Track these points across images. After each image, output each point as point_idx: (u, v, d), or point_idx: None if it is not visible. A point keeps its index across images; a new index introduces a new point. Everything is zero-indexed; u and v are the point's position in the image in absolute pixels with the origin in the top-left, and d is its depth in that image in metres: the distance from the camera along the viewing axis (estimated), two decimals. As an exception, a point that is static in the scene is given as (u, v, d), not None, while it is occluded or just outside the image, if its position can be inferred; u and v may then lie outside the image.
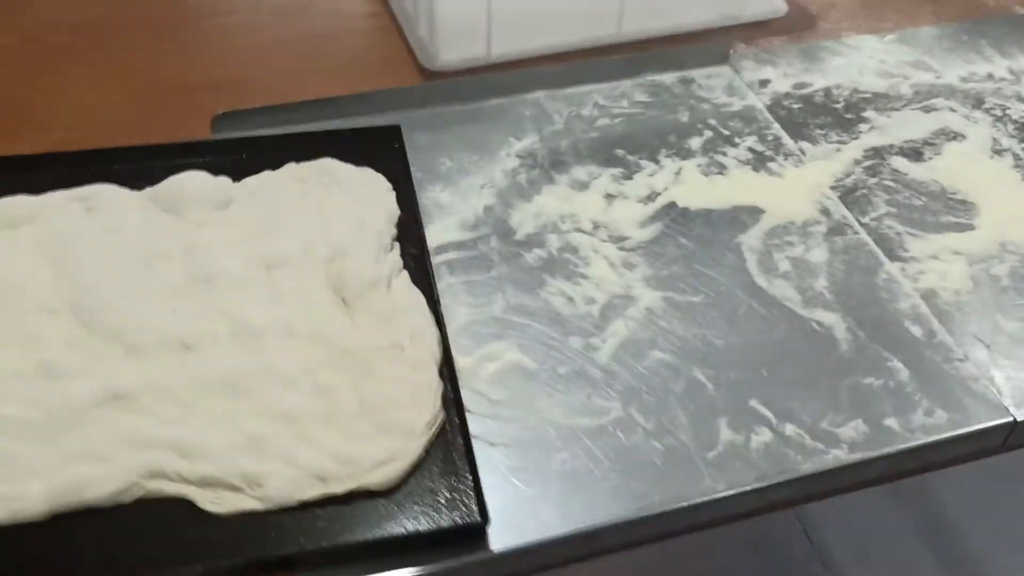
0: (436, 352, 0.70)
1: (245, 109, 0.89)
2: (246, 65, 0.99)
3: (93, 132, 0.89)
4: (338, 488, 0.62)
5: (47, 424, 0.64)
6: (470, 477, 0.63)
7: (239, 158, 0.85)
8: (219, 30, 1.04)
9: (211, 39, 1.03)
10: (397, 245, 0.78)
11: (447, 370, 0.69)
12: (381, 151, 0.87)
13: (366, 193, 0.82)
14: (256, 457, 0.63)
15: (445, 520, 0.61)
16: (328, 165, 0.84)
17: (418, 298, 0.74)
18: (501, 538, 0.61)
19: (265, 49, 1.02)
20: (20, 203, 0.78)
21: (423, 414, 0.66)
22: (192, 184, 0.80)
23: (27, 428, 0.63)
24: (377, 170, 0.85)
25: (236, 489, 0.62)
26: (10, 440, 0.63)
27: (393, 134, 0.88)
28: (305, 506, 0.62)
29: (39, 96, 0.93)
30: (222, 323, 0.71)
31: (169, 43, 1.02)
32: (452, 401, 0.68)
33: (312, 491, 0.62)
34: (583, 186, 0.86)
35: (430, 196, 0.84)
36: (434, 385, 0.68)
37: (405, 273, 0.76)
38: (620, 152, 0.90)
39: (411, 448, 0.64)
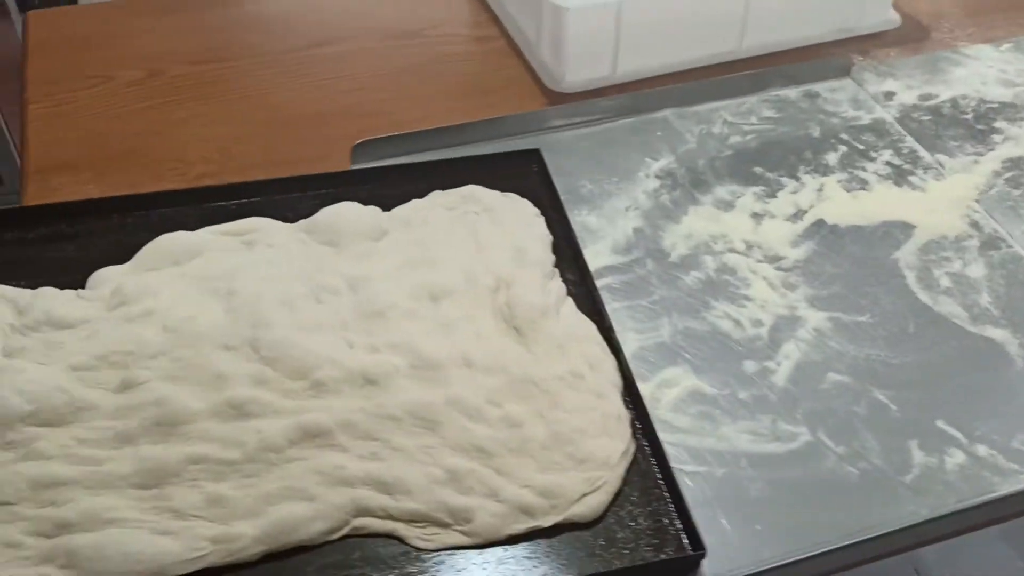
0: (617, 380, 0.70)
1: (382, 137, 0.89)
2: (369, 92, 0.99)
3: (230, 164, 0.89)
4: (545, 521, 0.62)
5: (247, 464, 0.63)
6: (673, 507, 0.63)
7: (382, 187, 0.85)
8: (335, 58, 1.04)
9: (328, 67, 1.03)
10: (557, 272, 0.78)
11: (630, 397, 0.69)
12: (521, 175, 0.87)
13: (515, 219, 0.82)
14: (458, 491, 0.63)
15: (663, 552, 0.61)
16: (474, 192, 0.84)
17: (589, 325, 0.73)
18: (712, 569, 0.61)
19: (385, 76, 1.02)
20: (182, 239, 0.78)
21: (616, 444, 0.66)
22: (348, 216, 0.80)
23: (227, 468, 0.63)
24: (519, 194, 0.85)
25: (444, 525, 0.62)
26: (213, 481, 0.63)
27: (532, 158, 0.88)
28: (512, 539, 0.62)
29: (173, 130, 0.93)
30: (399, 356, 0.70)
31: (288, 73, 1.02)
32: (640, 429, 0.67)
33: (519, 525, 0.62)
34: (728, 206, 0.86)
35: (577, 220, 0.84)
36: (623, 414, 0.68)
37: (570, 300, 0.76)
38: (758, 170, 0.90)
39: (612, 478, 0.64)
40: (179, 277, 0.75)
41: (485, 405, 0.68)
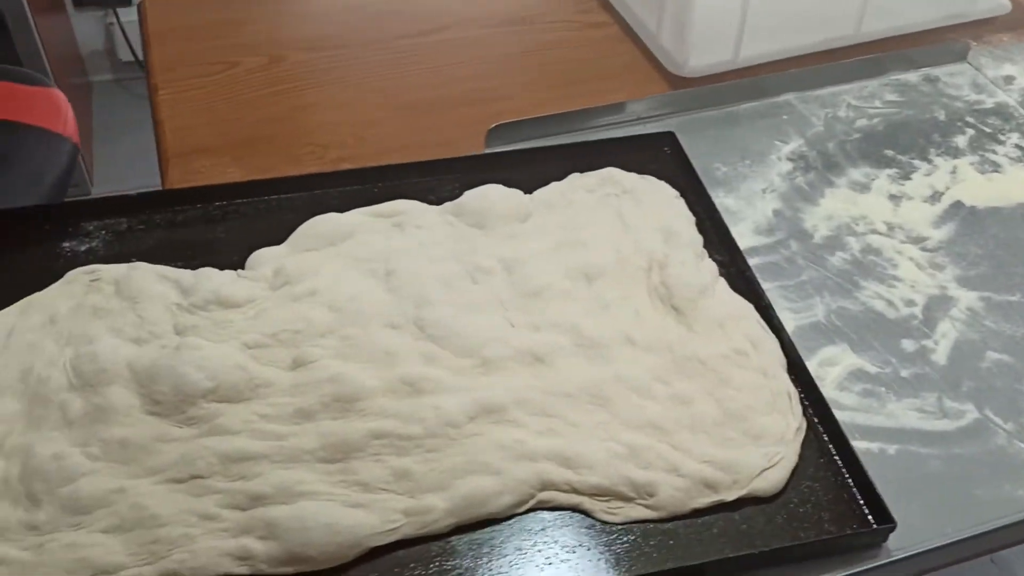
0: (781, 358, 0.70)
1: (515, 121, 0.90)
2: (487, 78, 1.00)
3: (364, 149, 0.90)
4: (728, 495, 0.62)
5: (428, 439, 0.64)
6: (852, 481, 0.64)
7: (519, 170, 0.86)
8: (448, 45, 1.05)
9: (442, 54, 1.03)
10: (706, 252, 0.79)
11: (796, 375, 0.69)
12: (655, 158, 0.88)
13: (657, 201, 0.83)
14: (638, 466, 0.63)
15: (848, 527, 0.61)
16: (613, 174, 0.85)
17: (746, 304, 0.74)
18: (897, 543, 0.61)
19: (501, 62, 1.02)
20: (335, 221, 0.79)
21: (789, 420, 0.66)
22: (494, 198, 0.81)
23: (409, 443, 0.64)
24: (655, 177, 0.85)
25: (627, 499, 0.62)
26: (396, 456, 0.63)
27: (665, 140, 0.89)
28: (696, 513, 0.62)
29: (301, 115, 0.94)
30: (562, 335, 0.71)
31: (402, 59, 1.03)
32: (810, 406, 0.68)
33: (703, 499, 0.62)
34: (864, 188, 0.86)
35: (716, 202, 0.84)
36: (792, 391, 0.68)
37: (723, 280, 0.76)
38: (889, 152, 0.90)
39: (789, 453, 0.64)
40: (335, 257, 0.76)
41: (653, 383, 0.68)
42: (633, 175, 0.85)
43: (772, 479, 0.63)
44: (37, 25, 1.84)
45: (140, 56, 2.34)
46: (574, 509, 0.62)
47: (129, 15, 2.30)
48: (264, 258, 0.76)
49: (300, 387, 0.67)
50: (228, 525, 0.60)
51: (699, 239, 0.79)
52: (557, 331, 0.71)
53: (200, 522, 0.60)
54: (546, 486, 0.63)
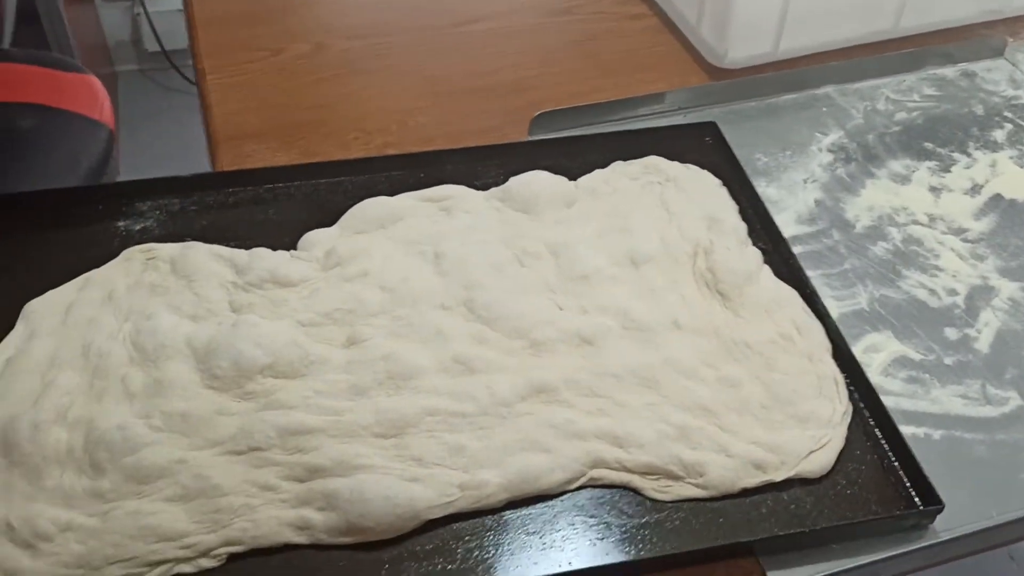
0: (826, 343, 0.71)
1: (559, 109, 0.91)
2: (529, 68, 1.01)
3: (408, 135, 0.91)
4: (777, 476, 0.63)
5: (480, 416, 0.65)
6: (898, 464, 0.65)
7: (562, 157, 0.87)
8: (489, 35, 1.06)
9: (484, 43, 1.05)
10: (750, 240, 0.80)
11: (842, 361, 0.70)
12: (697, 148, 0.89)
13: (699, 189, 0.84)
14: (689, 446, 0.65)
15: (896, 508, 0.62)
16: (656, 162, 0.86)
17: (790, 290, 0.75)
18: (944, 525, 0.62)
19: (542, 51, 1.03)
20: (385, 204, 0.80)
21: (836, 404, 0.67)
22: (540, 184, 0.82)
23: (462, 420, 0.65)
24: (697, 166, 0.86)
25: (677, 477, 0.64)
26: (450, 432, 0.65)
27: (707, 130, 0.90)
28: (744, 493, 0.63)
29: (347, 101, 0.95)
30: (610, 318, 0.72)
31: (445, 48, 1.04)
32: (856, 390, 0.69)
33: (752, 479, 0.63)
34: (904, 179, 0.87)
35: (758, 191, 0.85)
36: (838, 376, 0.69)
37: (767, 267, 0.77)
38: (929, 145, 0.91)
39: (836, 436, 0.65)
40: (386, 240, 0.78)
41: (701, 366, 0.70)
42: (675, 163, 0.86)
43: (819, 461, 0.64)
44: (67, 14, 1.86)
45: (166, 47, 2.37)
46: (624, 487, 0.64)
47: (155, 5, 2.32)
48: (316, 239, 0.77)
49: (354, 364, 0.68)
50: (287, 496, 0.61)
51: (743, 226, 0.80)
52: (605, 314, 0.73)
53: (260, 492, 0.61)
54: (597, 464, 0.64)
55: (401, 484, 0.61)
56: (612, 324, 0.72)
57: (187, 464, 0.62)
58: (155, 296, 0.72)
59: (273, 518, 0.60)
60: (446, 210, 0.81)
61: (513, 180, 0.83)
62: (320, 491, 0.61)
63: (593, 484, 0.64)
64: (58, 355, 0.68)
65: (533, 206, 0.81)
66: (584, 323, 0.72)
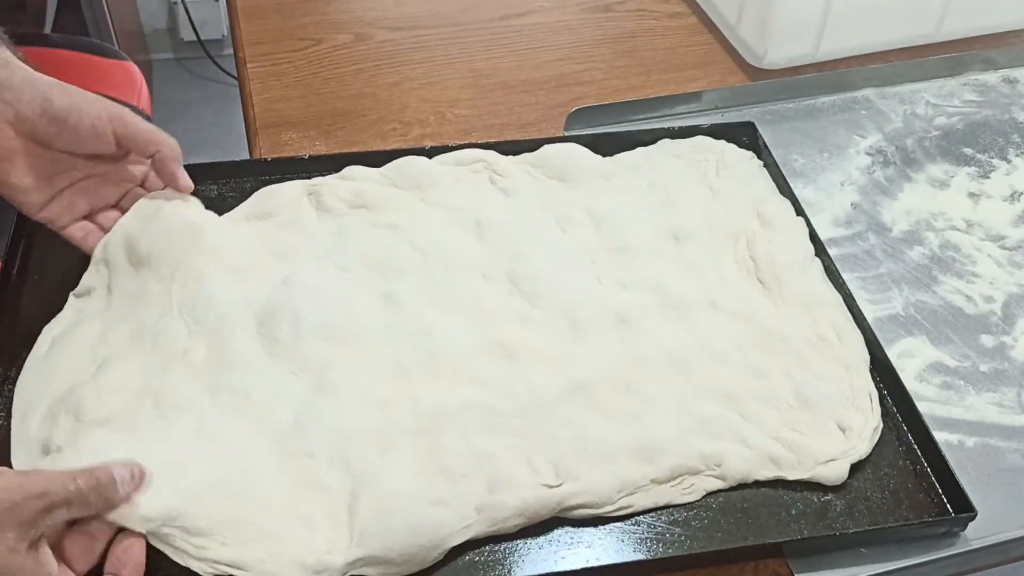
0: (865, 354, 0.70)
1: (596, 105, 0.91)
2: (569, 63, 1.01)
3: (446, 128, 0.92)
4: (790, 475, 0.63)
5: (515, 419, 0.65)
6: (930, 470, 0.64)
7: (598, 153, 0.87)
8: (530, 30, 1.06)
9: (525, 38, 1.05)
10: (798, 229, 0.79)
11: (877, 365, 0.70)
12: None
13: (748, 172, 0.83)
14: (709, 437, 0.64)
15: (926, 514, 0.62)
16: (705, 142, 0.86)
17: (833, 292, 0.74)
18: (975, 532, 0.62)
19: (583, 48, 1.04)
20: (424, 164, 0.80)
21: (867, 419, 0.66)
22: (575, 153, 0.82)
23: (498, 420, 0.64)
24: (734, 168, 0.86)
25: (697, 472, 0.63)
26: (483, 433, 0.63)
27: (745, 130, 0.89)
28: (774, 491, 0.63)
29: (386, 93, 0.96)
30: (648, 294, 0.72)
31: (486, 42, 1.04)
32: (890, 396, 0.68)
33: (767, 472, 0.63)
34: (943, 184, 0.87)
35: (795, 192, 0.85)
36: (873, 391, 0.68)
37: (818, 262, 0.76)
38: (968, 151, 0.90)
39: (860, 449, 0.65)
40: (420, 202, 0.78)
41: (731, 350, 0.69)
42: (726, 143, 0.86)
43: (837, 469, 0.63)
44: (106, 1, 1.88)
45: (201, 36, 2.38)
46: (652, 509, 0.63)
47: (192, -5, 2.34)
48: (354, 174, 0.80)
49: (393, 333, 0.68)
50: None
51: (791, 214, 0.79)
52: (643, 290, 0.73)
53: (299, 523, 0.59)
54: (626, 487, 0.62)
55: (427, 511, 0.59)
56: (649, 301, 0.72)
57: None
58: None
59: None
60: (479, 174, 0.81)
61: (547, 147, 0.83)
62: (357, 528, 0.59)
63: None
64: (106, 335, 0.68)
65: (568, 174, 0.81)
66: (622, 301, 0.72)
